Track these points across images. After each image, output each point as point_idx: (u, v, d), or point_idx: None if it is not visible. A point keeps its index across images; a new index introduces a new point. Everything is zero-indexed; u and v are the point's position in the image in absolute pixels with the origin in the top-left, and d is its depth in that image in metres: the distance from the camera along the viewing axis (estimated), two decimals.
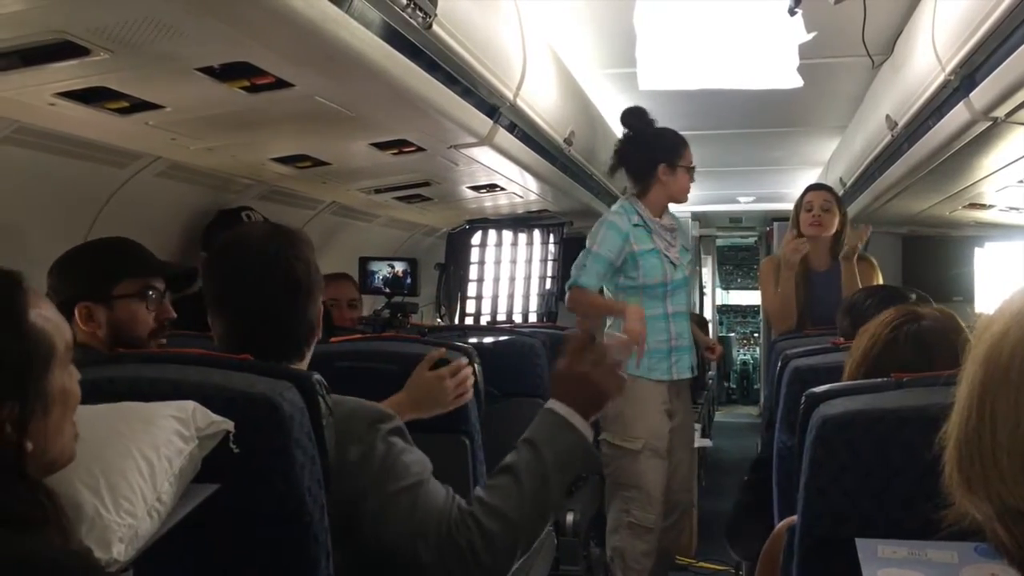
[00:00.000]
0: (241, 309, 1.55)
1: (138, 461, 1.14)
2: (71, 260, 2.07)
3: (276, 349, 1.53)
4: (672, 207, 3.50)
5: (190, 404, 1.24)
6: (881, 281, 3.51)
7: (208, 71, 1.89)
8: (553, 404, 1.55)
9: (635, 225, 3.30)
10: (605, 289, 3.40)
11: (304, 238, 1.61)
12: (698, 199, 6.99)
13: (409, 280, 3.69)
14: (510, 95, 2.73)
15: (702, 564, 4.61)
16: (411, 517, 1.41)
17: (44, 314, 1.00)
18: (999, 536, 0.72)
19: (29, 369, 0.96)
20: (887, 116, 3.19)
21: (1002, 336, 0.72)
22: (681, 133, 3.48)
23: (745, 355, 11.48)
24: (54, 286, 2.07)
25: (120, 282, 2.02)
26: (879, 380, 1.64)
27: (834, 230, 3.58)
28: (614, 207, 3.48)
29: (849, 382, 1.67)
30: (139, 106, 2.08)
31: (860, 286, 3.18)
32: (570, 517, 3.03)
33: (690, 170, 3.37)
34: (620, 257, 3.28)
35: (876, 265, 3.59)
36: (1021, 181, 3.52)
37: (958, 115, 2.55)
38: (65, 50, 1.69)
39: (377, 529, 1.41)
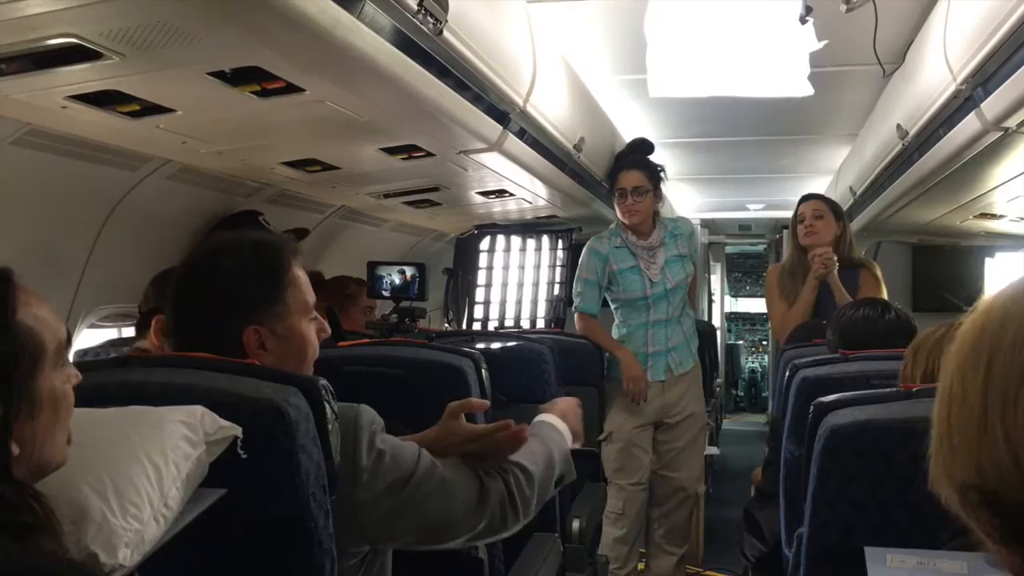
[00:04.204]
0: None
1: (146, 466, 1.14)
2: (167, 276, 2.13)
3: None
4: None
5: (199, 409, 1.24)
6: (884, 293, 3.47)
7: (219, 75, 1.89)
8: (545, 416, 1.86)
9: (616, 247, 3.68)
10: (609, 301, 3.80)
11: None
12: (707, 206, 6.97)
13: (417, 285, 3.69)
14: (520, 101, 2.73)
15: (709, 573, 4.59)
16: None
17: (35, 312, 0.97)
18: None
19: (15, 368, 0.93)
20: (898, 125, 3.18)
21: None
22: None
23: (753, 363, 11.44)
24: (149, 294, 2.14)
25: None
26: (888, 391, 1.64)
27: (831, 236, 3.56)
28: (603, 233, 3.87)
29: (857, 392, 1.67)
30: (150, 109, 2.08)
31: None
32: (576, 524, 3.01)
33: (620, 194, 3.67)
34: (604, 277, 3.68)
35: (878, 276, 3.55)
36: None
37: (969, 125, 2.54)
38: (77, 54, 1.69)
39: None
